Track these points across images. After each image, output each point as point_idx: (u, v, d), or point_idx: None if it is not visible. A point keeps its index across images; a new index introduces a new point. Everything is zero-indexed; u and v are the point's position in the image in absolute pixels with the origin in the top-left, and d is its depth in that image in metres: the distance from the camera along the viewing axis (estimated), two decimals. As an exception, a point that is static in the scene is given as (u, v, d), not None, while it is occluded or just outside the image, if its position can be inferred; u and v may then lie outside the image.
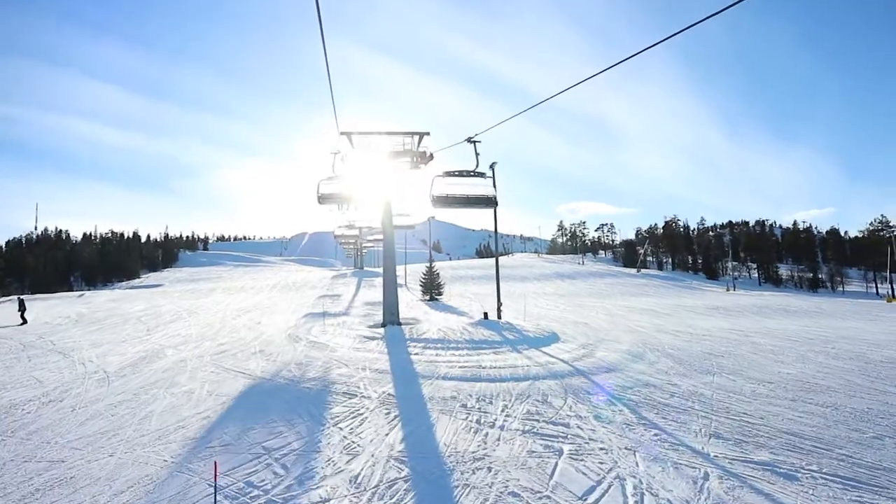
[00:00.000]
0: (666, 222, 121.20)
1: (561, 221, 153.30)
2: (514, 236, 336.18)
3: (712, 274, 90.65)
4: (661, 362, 16.08)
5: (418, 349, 17.89)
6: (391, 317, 24.09)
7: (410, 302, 40.11)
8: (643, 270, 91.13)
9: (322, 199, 21.18)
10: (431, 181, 18.68)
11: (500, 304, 24.87)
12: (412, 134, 24.70)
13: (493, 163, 23.58)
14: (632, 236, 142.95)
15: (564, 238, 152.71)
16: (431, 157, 24.33)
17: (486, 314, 24.55)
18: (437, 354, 16.96)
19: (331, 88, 13.92)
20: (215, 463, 6.78)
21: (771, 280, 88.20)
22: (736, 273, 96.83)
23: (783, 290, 79.79)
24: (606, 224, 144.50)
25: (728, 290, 69.82)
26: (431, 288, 44.42)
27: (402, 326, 23.45)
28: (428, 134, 24.73)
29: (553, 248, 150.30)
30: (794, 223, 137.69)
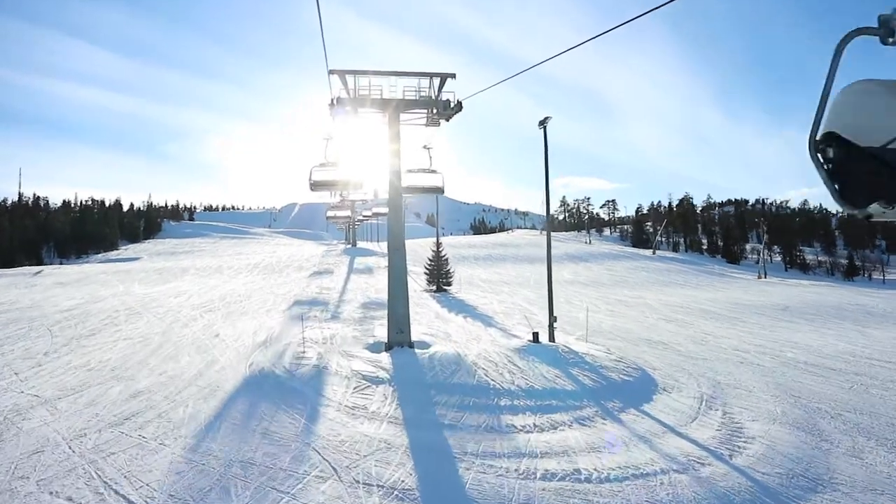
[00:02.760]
0: (680, 200, 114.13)
1: (563, 197, 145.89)
2: (509, 210, 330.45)
3: (732, 258, 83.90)
4: (871, 453, 9.28)
5: (452, 415, 10.99)
6: (399, 335, 17.14)
7: (414, 294, 33.11)
8: (657, 252, 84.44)
9: (314, 186, 19.48)
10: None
11: (553, 318, 17.83)
12: (430, 76, 17.56)
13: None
14: (631, 213, 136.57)
15: (567, 214, 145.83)
16: (460, 106, 17.13)
17: (535, 335, 17.46)
18: (491, 440, 10.01)
19: (319, 18, 8.94)
20: None
21: (797, 266, 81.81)
22: (753, 256, 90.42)
23: (814, 277, 73.39)
24: (611, 201, 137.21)
25: (759, 277, 63.25)
26: (439, 276, 37.38)
27: (416, 350, 16.56)
28: (453, 76, 17.57)
29: (552, 224, 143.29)
30: (805, 202, 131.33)
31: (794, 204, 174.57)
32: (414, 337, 17.79)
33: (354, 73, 17.08)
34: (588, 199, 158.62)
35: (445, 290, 36.79)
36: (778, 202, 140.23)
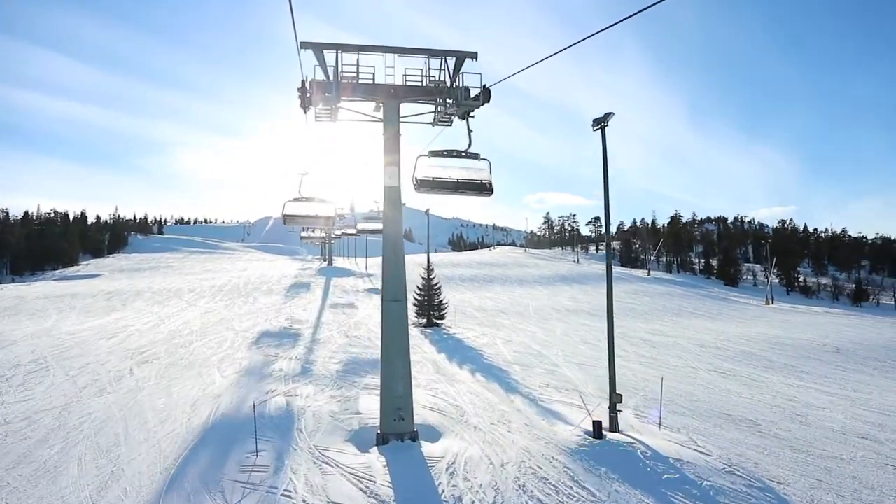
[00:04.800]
0: (671, 218, 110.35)
1: (548, 213, 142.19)
2: (486, 226, 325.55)
3: (730, 280, 79.73)
4: None
5: None
6: (397, 424, 11.84)
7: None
8: (651, 273, 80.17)
9: (287, 220, 19.09)
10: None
11: (616, 397, 12.56)
12: (443, 54, 12.48)
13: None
14: (613, 230, 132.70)
15: (552, 231, 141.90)
16: (487, 95, 12.03)
17: (597, 426, 12.07)
18: None
19: None
20: None
21: (797, 289, 77.92)
22: (749, 278, 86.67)
23: (819, 302, 69.48)
24: (596, 218, 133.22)
25: (767, 302, 59.09)
26: (430, 308, 32.06)
27: (423, 448, 11.34)
28: (473, 56, 12.46)
29: (533, 241, 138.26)
30: (790, 220, 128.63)
31: (770, 222, 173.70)
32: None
33: (336, 47, 11.98)
34: (574, 215, 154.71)
35: (438, 325, 31.52)
36: (756, 221, 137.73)
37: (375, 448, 11.55)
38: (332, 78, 11.99)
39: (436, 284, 33.07)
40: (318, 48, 11.72)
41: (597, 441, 11.49)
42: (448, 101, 12.55)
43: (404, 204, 39.25)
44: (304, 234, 71.43)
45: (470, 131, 12.87)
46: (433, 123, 13.69)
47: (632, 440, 11.62)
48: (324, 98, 11.94)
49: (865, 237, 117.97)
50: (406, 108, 12.94)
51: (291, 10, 7.63)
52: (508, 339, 27.59)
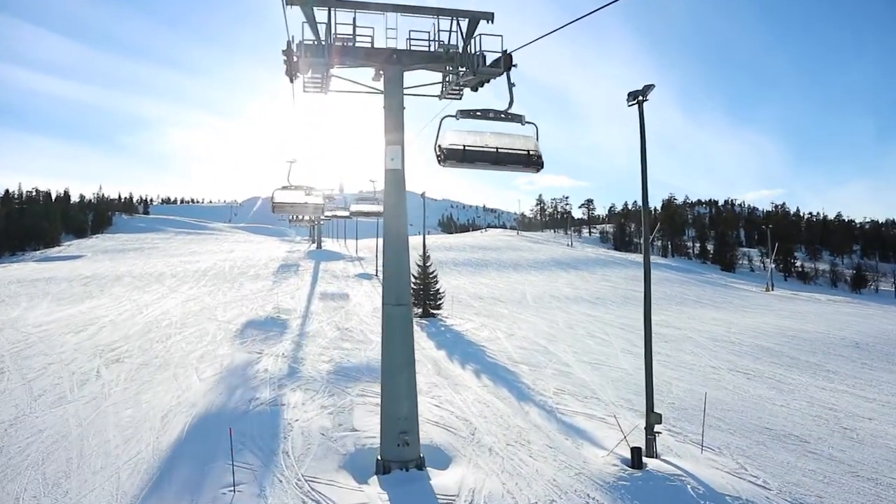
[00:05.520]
0: (666, 202, 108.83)
1: (540, 196, 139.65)
2: (477, 207, 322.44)
3: (727, 265, 78.40)
4: None
5: None
6: (402, 449, 10.05)
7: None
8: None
9: (276, 208, 19.17)
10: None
11: (654, 417, 10.81)
12: (454, 15, 10.50)
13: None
14: (602, 212, 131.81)
15: (543, 214, 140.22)
16: (509, 61, 10.01)
17: (636, 453, 10.22)
18: None
19: None
20: None
21: (795, 275, 76.70)
22: (744, 262, 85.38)
23: (819, 288, 68.30)
24: (589, 200, 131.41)
25: (767, 289, 57.81)
26: (426, 297, 30.22)
27: (431, 479, 9.61)
28: (489, 17, 10.47)
29: (524, 223, 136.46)
30: (783, 204, 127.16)
31: (760, 205, 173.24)
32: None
33: (329, 3, 9.92)
34: (567, 198, 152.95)
35: (434, 315, 29.73)
36: (748, 204, 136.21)
37: (375, 478, 9.79)
38: (323, 40, 10.02)
39: (432, 272, 31.24)
40: (306, 3, 9.72)
41: (637, 472, 9.74)
42: (460, 69, 10.61)
43: (373, 182, 36.66)
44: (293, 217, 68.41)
45: (511, 85, 10.15)
46: (441, 96, 11.74)
47: (677, 471, 9.90)
48: (313, 63, 9.93)
49: (855, 221, 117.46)
50: (409, 79, 10.96)
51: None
52: (510, 333, 25.88)
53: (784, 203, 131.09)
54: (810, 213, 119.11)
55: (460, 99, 11.73)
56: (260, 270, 47.01)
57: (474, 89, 11.22)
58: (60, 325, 24.10)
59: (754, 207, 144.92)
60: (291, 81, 10.42)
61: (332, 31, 9.95)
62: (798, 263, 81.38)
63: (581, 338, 25.47)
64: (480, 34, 10.47)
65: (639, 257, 78.12)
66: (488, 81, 10.72)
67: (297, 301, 32.35)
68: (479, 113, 9.63)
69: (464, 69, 10.43)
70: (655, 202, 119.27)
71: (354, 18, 10.09)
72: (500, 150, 9.74)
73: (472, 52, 10.32)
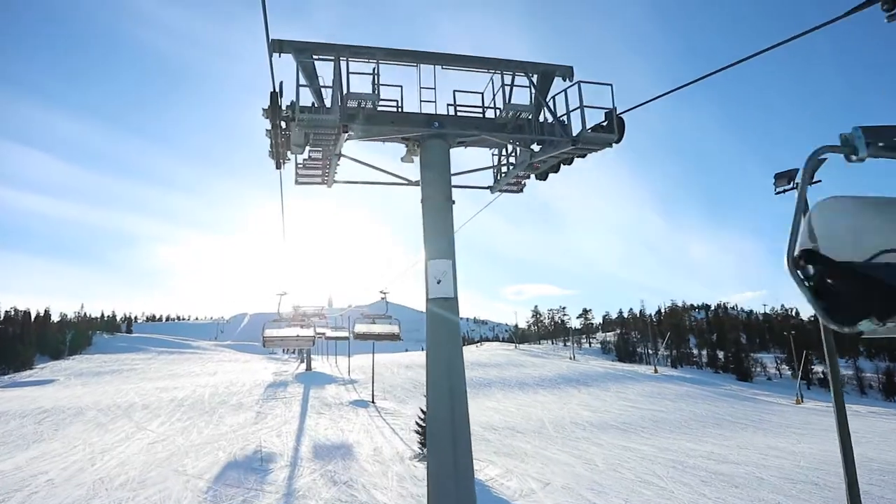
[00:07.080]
0: (669, 308, 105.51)
1: (536, 307, 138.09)
2: (467, 319, 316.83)
3: (743, 374, 73.79)
4: None
5: None
6: None
7: (398, 473, 21.35)
8: (659, 370, 73.99)
9: (267, 342, 18.61)
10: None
11: None
12: (519, 69, 7.20)
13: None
14: (595, 321, 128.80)
15: (539, 326, 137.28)
16: (622, 127, 6.60)
17: None
18: None
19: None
20: None
21: (818, 382, 71.91)
22: (756, 369, 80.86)
23: (848, 398, 63.71)
24: (587, 310, 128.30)
25: (798, 401, 53.20)
26: (437, 433, 25.60)
27: None
28: (567, 74, 7.18)
29: (517, 335, 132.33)
30: (773, 308, 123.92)
31: (747, 307, 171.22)
32: None
33: (334, 49, 6.59)
34: (564, 308, 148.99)
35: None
36: (741, 307, 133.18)
37: None
38: (329, 101, 6.60)
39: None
40: (301, 51, 6.39)
41: None
42: (532, 144, 7.18)
43: (384, 297, 30.76)
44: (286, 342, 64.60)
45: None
46: (492, 188, 8.26)
47: None
48: (314, 125, 6.45)
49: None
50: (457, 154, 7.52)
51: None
52: (545, 481, 21.20)
53: (783, 305, 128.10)
54: (810, 317, 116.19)
55: (521, 191, 8.25)
56: (243, 398, 42.05)
57: (543, 176, 7.76)
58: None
59: (751, 310, 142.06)
60: (278, 167, 6.91)
61: (343, 90, 6.53)
62: (819, 370, 76.94)
63: (633, 485, 20.79)
64: (553, 96, 7.16)
65: (648, 369, 73.62)
66: (571, 162, 7.24)
67: (283, 440, 27.53)
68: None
69: (539, 144, 6.99)
70: (651, 308, 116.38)
71: (376, 71, 6.70)
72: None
73: (551, 118, 6.94)
